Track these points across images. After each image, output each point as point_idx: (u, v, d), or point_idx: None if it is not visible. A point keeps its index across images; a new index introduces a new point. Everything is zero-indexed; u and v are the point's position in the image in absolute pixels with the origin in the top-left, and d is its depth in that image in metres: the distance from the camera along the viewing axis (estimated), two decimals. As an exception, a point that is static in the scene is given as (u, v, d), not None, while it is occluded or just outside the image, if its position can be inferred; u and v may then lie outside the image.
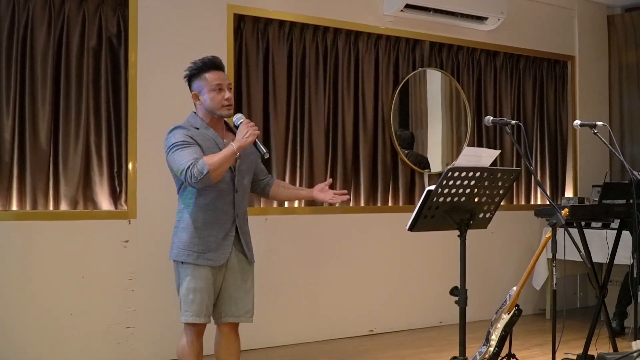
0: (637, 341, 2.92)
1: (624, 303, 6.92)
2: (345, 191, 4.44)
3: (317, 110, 6.81)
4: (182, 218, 4.13)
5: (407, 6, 7.09)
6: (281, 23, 6.64)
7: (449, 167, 3.95)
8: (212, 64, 4.13)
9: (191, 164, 3.86)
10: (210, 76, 4.09)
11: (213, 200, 4.06)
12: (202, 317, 4.07)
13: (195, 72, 4.14)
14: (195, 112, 4.20)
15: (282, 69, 6.65)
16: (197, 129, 4.08)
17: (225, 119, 4.23)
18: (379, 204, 7.24)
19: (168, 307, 5.91)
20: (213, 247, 4.06)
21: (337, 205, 6.88)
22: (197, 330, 4.14)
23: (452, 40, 7.68)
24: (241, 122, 4.02)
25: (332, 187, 6.75)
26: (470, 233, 4.27)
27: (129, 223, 5.82)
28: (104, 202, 5.81)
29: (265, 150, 4.06)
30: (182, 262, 4.09)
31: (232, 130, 4.22)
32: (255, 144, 4.03)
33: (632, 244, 5.51)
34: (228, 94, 4.09)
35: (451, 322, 6.74)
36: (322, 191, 4.35)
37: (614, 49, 9.06)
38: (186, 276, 4.07)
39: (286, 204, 6.68)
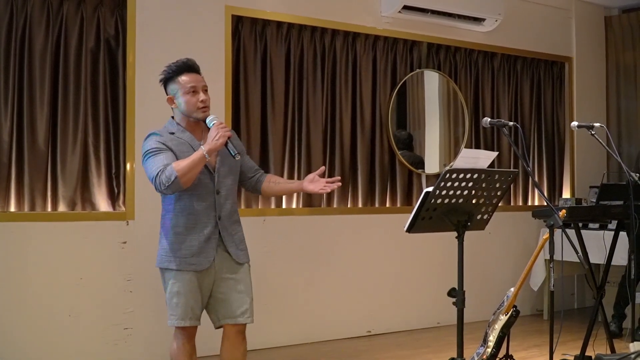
0: (635, 343, 2.93)
1: (622, 305, 6.92)
2: (338, 177, 4.27)
3: (315, 111, 6.82)
4: (163, 224, 4.08)
5: (405, 7, 7.10)
6: (279, 24, 6.65)
7: (446, 168, 3.95)
8: (186, 67, 4.06)
9: (160, 170, 3.82)
10: (184, 79, 4.02)
11: (192, 203, 3.99)
12: (187, 320, 4.02)
13: (169, 76, 4.06)
14: (172, 117, 4.14)
15: (280, 70, 6.66)
16: (173, 133, 4.02)
17: (205, 121, 4.09)
18: (376, 205, 7.24)
19: (165, 308, 5.91)
20: (195, 252, 3.99)
21: (331, 204, 6.91)
22: (186, 333, 4.09)
23: (450, 42, 7.69)
24: (213, 124, 3.94)
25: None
26: (468, 234, 4.27)
27: (127, 224, 5.82)
28: (102, 204, 5.82)
29: (235, 152, 3.94)
30: (166, 269, 4.04)
31: None
32: (226, 145, 3.92)
33: (629, 245, 5.53)
34: (203, 96, 4.02)
35: (449, 323, 6.75)
36: (312, 182, 4.18)
37: (611, 50, 9.07)
38: (169, 280, 4.03)
39: (284, 205, 6.68)
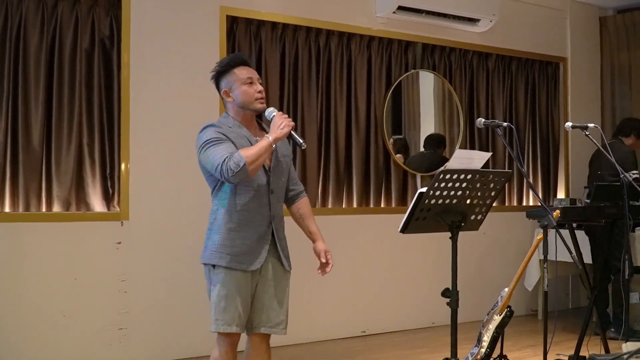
0: (628, 343, 2.93)
1: (604, 306, 6.95)
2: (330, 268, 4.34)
3: (309, 111, 6.82)
4: (215, 219, 3.92)
5: (400, 8, 7.11)
6: (274, 25, 6.65)
7: (440, 169, 3.95)
8: (240, 60, 4.00)
9: (226, 157, 3.67)
10: (239, 71, 3.94)
11: (248, 200, 3.86)
12: (234, 326, 3.83)
13: (223, 70, 3.98)
14: (227, 113, 4.03)
15: (275, 71, 6.66)
16: (230, 127, 3.91)
17: (257, 119, 4.05)
18: (371, 205, 7.25)
19: (161, 308, 5.94)
20: (247, 250, 3.86)
21: (326, 205, 6.92)
22: (230, 340, 3.90)
23: (445, 42, 7.70)
24: (274, 115, 3.87)
25: (325, 187, 6.86)
26: (462, 234, 4.27)
27: (122, 224, 5.82)
28: (97, 204, 5.81)
29: (301, 141, 3.85)
30: (214, 266, 3.87)
31: (265, 129, 4.02)
32: (290, 135, 3.84)
33: (623, 245, 5.54)
34: (260, 87, 3.95)
35: (444, 323, 6.76)
36: (321, 265, 4.28)
37: (606, 50, 9.09)
38: (218, 282, 3.85)
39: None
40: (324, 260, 4.21)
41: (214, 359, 3.93)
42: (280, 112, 3.88)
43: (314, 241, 4.24)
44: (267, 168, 3.92)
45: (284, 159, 4.05)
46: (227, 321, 3.83)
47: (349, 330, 7.02)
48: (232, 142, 3.83)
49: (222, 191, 3.91)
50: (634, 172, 5.97)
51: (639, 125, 7.25)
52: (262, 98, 3.95)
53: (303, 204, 4.24)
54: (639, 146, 7.30)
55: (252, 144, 3.83)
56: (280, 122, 3.80)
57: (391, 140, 7.38)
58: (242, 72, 3.95)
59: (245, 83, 3.92)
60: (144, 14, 5.95)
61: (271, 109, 3.94)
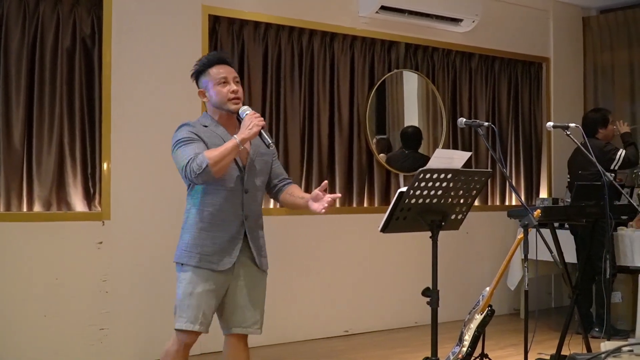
0: (607, 342, 2.94)
1: (587, 306, 6.98)
2: (338, 195, 4.10)
3: (292, 111, 6.82)
4: (187, 218, 3.94)
5: (383, 8, 7.11)
6: (256, 24, 6.64)
7: (420, 168, 3.95)
8: (217, 59, 3.99)
9: (191, 158, 3.69)
10: (214, 70, 3.93)
11: (220, 199, 3.86)
12: (197, 324, 3.82)
13: (201, 69, 3.98)
14: (206, 111, 4.03)
15: (258, 70, 6.65)
16: (206, 126, 3.92)
17: (238, 117, 3.99)
18: (354, 205, 7.26)
19: (142, 308, 5.92)
20: (218, 250, 3.84)
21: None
22: (188, 339, 3.91)
23: (428, 42, 7.71)
24: (246, 114, 3.84)
25: (307, 187, 6.86)
26: (445, 234, 4.28)
27: (103, 224, 5.80)
28: (78, 204, 5.79)
29: (270, 141, 3.83)
30: (182, 264, 3.89)
31: None
32: (260, 134, 3.82)
33: (605, 245, 5.56)
34: (234, 87, 3.92)
35: (427, 322, 6.67)
36: (316, 199, 3.93)
37: (589, 51, 9.13)
38: (184, 279, 3.86)
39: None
40: (321, 190, 3.95)
41: (166, 351, 3.96)
42: (252, 112, 3.85)
43: (305, 203, 4.03)
44: (241, 167, 3.92)
45: (262, 158, 4.03)
46: (190, 319, 3.84)
47: (331, 329, 7.02)
48: (204, 142, 3.83)
49: (195, 190, 3.92)
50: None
51: (597, 118, 7.24)
52: (235, 98, 3.93)
53: (289, 188, 4.18)
54: (612, 132, 7.30)
55: None
56: (249, 122, 3.78)
57: (374, 139, 7.39)
58: (217, 72, 3.94)
59: (220, 83, 3.92)
60: (126, 13, 5.93)
61: (244, 107, 3.91)
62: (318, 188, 3.94)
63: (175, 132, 3.91)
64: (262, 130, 3.82)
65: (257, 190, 4.02)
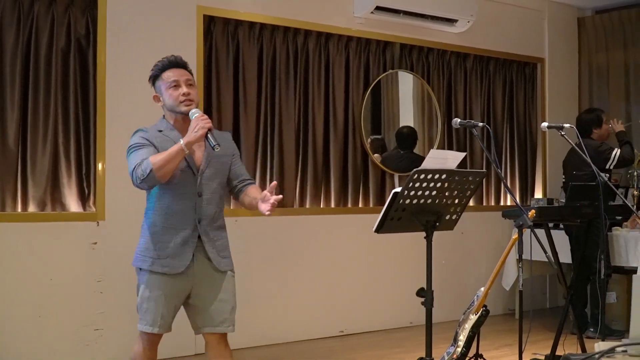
0: (601, 343, 2.94)
1: (581, 306, 6.99)
2: (280, 197, 3.98)
3: (287, 111, 6.82)
4: (144, 221, 3.99)
5: (378, 8, 7.11)
6: (251, 24, 6.64)
7: (415, 169, 3.95)
8: (170, 63, 3.99)
9: (137, 164, 3.73)
10: (167, 74, 3.96)
11: (173, 203, 3.89)
12: (156, 327, 3.91)
13: (156, 74, 4.01)
14: (163, 116, 4.05)
15: (253, 71, 6.65)
16: (161, 131, 3.94)
17: (188, 115, 3.95)
18: (349, 205, 7.26)
19: (135, 309, 5.90)
20: (170, 253, 3.87)
21: (304, 205, 6.92)
22: (151, 340, 4.01)
23: (423, 42, 7.72)
24: (195, 117, 3.84)
25: (302, 187, 6.86)
26: (440, 234, 4.28)
27: (98, 225, 5.80)
28: (72, 204, 5.79)
29: (215, 143, 3.78)
30: (140, 269, 3.95)
31: None
32: (206, 137, 3.80)
33: (599, 245, 5.57)
34: (185, 89, 3.91)
35: (422, 322, 6.67)
36: (264, 200, 3.90)
37: (584, 51, 9.14)
38: (142, 283, 3.93)
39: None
40: (270, 192, 3.93)
41: (134, 353, 4.07)
42: (200, 114, 3.85)
43: (257, 203, 3.98)
44: (195, 170, 3.93)
45: (219, 160, 4.02)
46: (149, 322, 3.92)
47: (326, 330, 7.02)
48: (156, 147, 3.85)
49: (151, 194, 3.96)
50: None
51: (591, 118, 7.25)
52: (187, 100, 3.92)
53: (251, 188, 4.17)
54: (607, 132, 7.31)
55: None
56: (195, 125, 3.78)
57: (369, 139, 7.39)
58: (169, 76, 3.96)
59: (171, 87, 3.93)
60: (120, 14, 5.93)
61: (194, 110, 3.91)
62: (267, 189, 3.95)
63: (130, 138, 3.95)
64: (208, 133, 3.81)
65: (213, 192, 4.01)
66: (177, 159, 3.75)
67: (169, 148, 3.80)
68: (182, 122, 3.96)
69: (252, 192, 4.13)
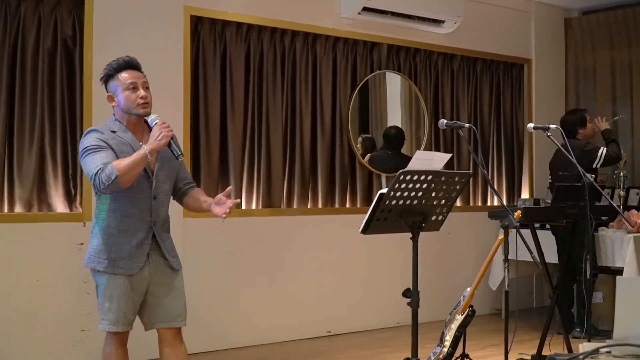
0: (586, 343, 2.96)
1: (568, 306, 7.02)
2: (238, 200, 4.16)
3: (274, 112, 6.82)
4: (96, 223, 3.99)
5: (365, 9, 7.12)
6: (239, 25, 6.64)
7: (400, 170, 3.97)
8: (126, 64, 3.99)
9: (100, 169, 3.73)
10: (124, 75, 3.95)
11: (128, 206, 3.91)
12: (119, 325, 3.94)
13: (110, 74, 4.00)
14: (114, 116, 4.05)
15: (240, 71, 6.65)
16: (114, 132, 3.94)
17: (145, 121, 4.01)
18: (336, 206, 7.27)
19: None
20: (126, 255, 3.91)
21: (291, 205, 6.92)
22: (118, 338, 4.03)
23: (410, 43, 7.73)
24: (155, 124, 3.87)
25: (290, 187, 6.86)
26: (427, 234, 4.30)
27: (84, 225, 5.78)
28: (59, 205, 5.78)
29: (180, 152, 3.88)
30: (96, 270, 3.95)
31: None
32: (169, 145, 3.86)
33: (585, 246, 5.59)
34: (143, 92, 3.94)
35: (409, 322, 6.70)
36: (219, 203, 4.02)
37: (571, 52, 9.16)
38: (101, 283, 3.94)
39: (244, 205, 6.67)
40: (225, 196, 4.05)
41: (105, 355, 4.08)
42: (161, 121, 3.88)
43: (207, 206, 4.10)
44: (150, 173, 3.96)
45: (170, 163, 4.06)
46: (112, 321, 3.94)
47: (313, 330, 7.03)
48: (113, 150, 3.86)
49: (104, 196, 3.95)
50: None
51: (575, 119, 7.28)
52: (144, 103, 3.95)
53: (193, 192, 4.24)
54: (592, 131, 7.34)
55: (134, 150, 3.85)
56: (158, 134, 3.81)
57: (360, 138, 7.41)
58: (126, 77, 3.96)
59: (128, 88, 3.94)
60: (107, 14, 5.92)
61: (154, 116, 3.93)
62: (222, 193, 4.04)
63: (83, 138, 3.95)
64: (171, 141, 3.87)
65: (165, 195, 4.08)
66: (140, 166, 3.79)
67: (125, 151, 3.86)
68: (136, 123, 4.00)
69: (200, 195, 4.22)
